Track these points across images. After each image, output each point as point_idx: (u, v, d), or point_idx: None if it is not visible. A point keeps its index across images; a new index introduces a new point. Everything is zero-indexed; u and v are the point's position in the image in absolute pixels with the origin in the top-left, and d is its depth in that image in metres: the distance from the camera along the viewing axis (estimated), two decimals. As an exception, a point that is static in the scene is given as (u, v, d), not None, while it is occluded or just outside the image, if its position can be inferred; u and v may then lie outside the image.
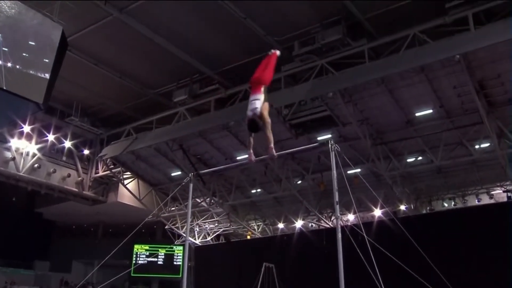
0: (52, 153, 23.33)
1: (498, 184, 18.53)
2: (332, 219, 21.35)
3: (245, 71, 17.63)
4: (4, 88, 8.65)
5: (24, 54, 9.49)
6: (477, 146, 15.72)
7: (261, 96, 6.71)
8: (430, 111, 15.46)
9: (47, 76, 9.66)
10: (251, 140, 6.96)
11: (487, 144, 15.63)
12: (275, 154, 6.66)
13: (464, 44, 12.49)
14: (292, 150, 8.21)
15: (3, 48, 9.08)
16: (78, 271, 32.92)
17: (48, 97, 9.72)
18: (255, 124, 6.52)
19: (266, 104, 6.69)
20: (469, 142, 15.60)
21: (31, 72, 9.52)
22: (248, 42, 16.50)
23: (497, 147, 14.89)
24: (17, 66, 9.23)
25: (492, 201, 18.26)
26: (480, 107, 13.78)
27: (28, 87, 9.45)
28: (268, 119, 6.56)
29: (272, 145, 6.48)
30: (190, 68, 18.34)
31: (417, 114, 15.69)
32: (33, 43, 9.84)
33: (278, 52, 7.54)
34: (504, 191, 18.35)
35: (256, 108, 6.53)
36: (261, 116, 6.51)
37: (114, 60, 18.48)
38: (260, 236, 24.08)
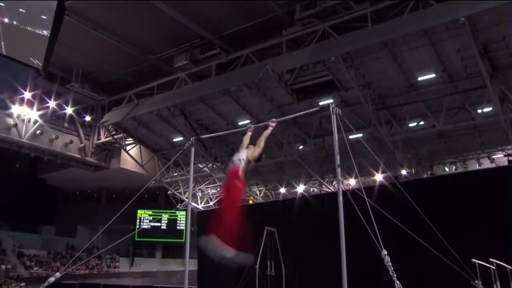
0: (53, 120, 23.35)
1: (499, 148, 18.57)
2: (333, 184, 21.50)
3: (246, 35, 17.44)
4: (4, 51, 8.52)
5: (21, 10, 9.31)
6: (479, 111, 15.67)
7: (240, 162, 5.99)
8: (433, 75, 15.33)
9: (46, 33, 9.49)
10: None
11: (489, 109, 15.58)
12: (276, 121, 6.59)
13: (469, 6, 12.25)
14: (293, 115, 8.13)
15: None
16: (83, 235, 33.54)
17: (48, 60, 9.57)
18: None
19: (251, 150, 6.17)
20: (471, 106, 15.55)
21: (29, 28, 9.34)
22: (249, 6, 16.20)
23: (499, 111, 14.84)
24: (14, 22, 9.05)
25: (493, 165, 18.32)
26: (483, 71, 13.66)
27: (27, 47, 9.31)
28: (260, 147, 6.23)
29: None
30: (191, 33, 18.08)
31: (419, 79, 15.57)
32: (29, 0, 9.64)
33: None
34: (505, 155, 18.40)
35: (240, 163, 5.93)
36: (256, 157, 6.11)
37: (113, 25, 18.20)
38: (262, 200, 24.32)
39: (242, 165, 5.88)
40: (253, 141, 6.42)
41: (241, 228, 5.41)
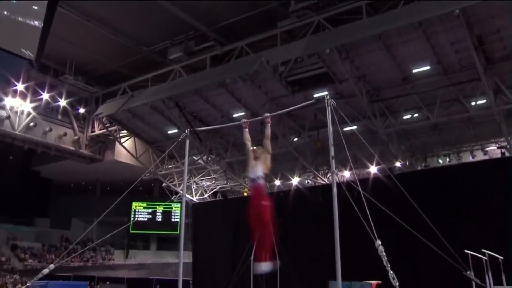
0: (47, 112, 23.25)
1: (493, 140, 18.68)
2: (328, 176, 21.56)
3: (241, 27, 17.38)
4: (-3, 45, 8.46)
5: (12, 0, 9.21)
6: (473, 103, 15.72)
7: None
8: (427, 67, 15.36)
9: (38, 24, 9.40)
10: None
11: (483, 101, 15.63)
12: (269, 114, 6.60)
13: (463, -2, 12.26)
14: (288, 109, 8.13)
15: (-12, -8, 8.76)
16: (77, 228, 33.52)
17: (41, 52, 9.48)
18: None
19: (264, 160, 6.14)
20: (465, 98, 15.59)
21: (20, 19, 9.23)
22: (244, -3, 16.16)
23: (493, 103, 14.89)
24: (5, 12, 8.94)
25: (486, 157, 18.43)
26: (477, 63, 13.69)
27: (19, 38, 9.22)
28: (268, 152, 6.26)
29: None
30: (185, 25, 18.01)
31: (414, 71, 15.59)
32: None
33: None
34: (498, 147, 18.52)
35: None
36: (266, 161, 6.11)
37: (107, 17, 18.11)
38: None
39: (263, 182, 5.98)
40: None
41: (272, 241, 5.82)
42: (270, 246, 5.80)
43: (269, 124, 6.47)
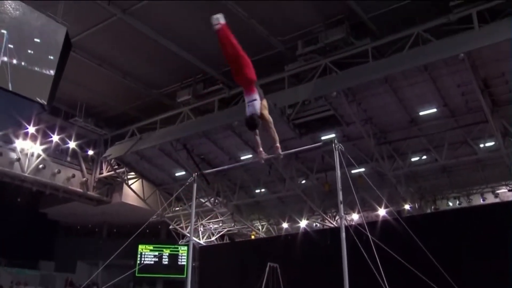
0: (56, 154, 23.41)
1: (503, 183, 18.45)
2: (336, 219, 21.32)
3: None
4: (11, 89, 8.67)
5: (29, 51, 9.52)
6: (481, 145, 15.67)
7: (257, 96, 6.22)
8: (434, 110, 15.42)
9: (52, 73, 9.68)
10: (258, 139, 6.54)
11: (491, 143, 15.59)
12: (281, 153, 6.55)
13: (468, 42, 12.45)
14: (296, 150, 8.16)
15: (9, 45, 9.09)
16: (83, 271, 33.02)
17: (53, 97, 9.74)
18: (252, 120, 6.04)
19: (264, 102, 6.25)
20: (473, 141, 15.56)
21: (36, 69, 9.53)
22: (251, 42, 16.43)
23: (502, 145, 14.84)
24: (22, 63, 9.25)
25: (497, 200, 18.18)
26: (484, 106, 13.74)
27: (33, 86, 9.48)
28: (269, 118, 6.20)
29: (277, 144, 6.33)
30: (194, 68, 18.36)
31: (421, 113, 15.66)
32: (38, 40, 9.87)
33: (221, 20, 6.36)
34: (509, 190, 18.27)
35: (256, 110, 6.06)
36: (261, 116, 6.09)
37: (117, 61, 18.53)
38: (264, 236, 24.08)
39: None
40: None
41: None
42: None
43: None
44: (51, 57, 9.80)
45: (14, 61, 9.00)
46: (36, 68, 9.51)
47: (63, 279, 32.06)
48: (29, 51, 9.50)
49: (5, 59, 8.82)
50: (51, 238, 34.11)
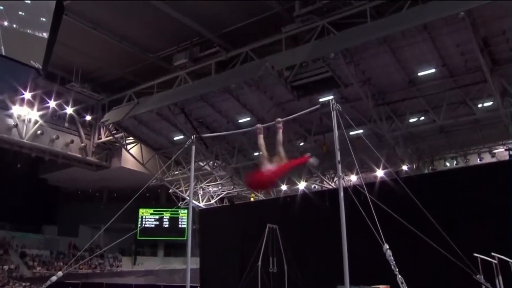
0: (54, 120, 23.37)
1: (500, 142, 18.56)
2: (334, 180, 21.50)
3: (246, 33, 17.41)
4: (3, 54, 8.53)
5: (20, 13, 9.32)
6: (480, 105, 15.65)
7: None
8: (433, 70, 15.31)
9: (45, 35, 9.50)
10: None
11: (490, 103, 15.56)
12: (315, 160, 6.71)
13: (468, 0, 12.23)
14: (296, 114, 8.13)
15: (-1, 7, 8.89)
16: (85, 235, 33.61)
17: (48, 61, 9.58)
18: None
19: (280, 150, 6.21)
20: (472, 101, 15.53)
21: (28, 31, 9.35)
22: (248, 3, 16.18)
23: (500, 105, 14.82)
24: (14, 25, 9.07)
25: (494, 159, 18.31)
26: (483, 65, 13.64)
27: (26, 50, 9.32)
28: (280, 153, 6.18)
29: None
30: (190, 31, 18.07)
31: (419, 74, 15.55)
32: (28, 2, 9.64)
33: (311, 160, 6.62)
34: (506, 150, 18.39)
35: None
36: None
37: (112, 24, 18.21)
38: (263, 198, 24.34)
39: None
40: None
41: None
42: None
43: (281, 130, 6.46)
44: (43, 19, 9.58)
45: (5, 23, 8.82)
46: (28, 31, 9.32)
47: (66, 243, 32.66)
48: (20, 13, 9.30)
49: (-4, 20, 8.66)
50: (53, 203, 34.56)
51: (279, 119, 6.59)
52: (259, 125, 6.74)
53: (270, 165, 5.95)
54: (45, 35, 9.48)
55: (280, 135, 6.39)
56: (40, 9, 9.81)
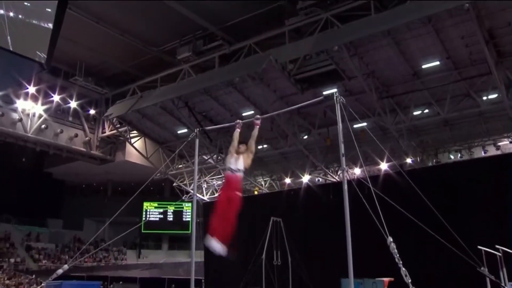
0: (58, 114, 23.42)
1: (505, 135, 18.47)
2: (338, 173, 21.51)
3: (249, 26, 17.36)
4: (10, 46, 8.55)
5: (26, 3, 9.36)
6: (484, 98, 15.57)
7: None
8: (437, 62, 15.23)
9: (50, 26, 9.53)
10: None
11: (494, 95, 15.47)
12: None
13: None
14: (297, 106, 8.14)
15: (4, -3, 8.90)
16: (89, 228, 33.83)
17: (51, 54, 9.60)
18: None
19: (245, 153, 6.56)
20: (476, 93, 15.45)
21: (34, 21, 9.38)
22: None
23: (505, 97, 14.75)
24: (20, 16, 9.10)
25: (498, 152, 18.24)
26: (488, 57, 13.55)
27: (31, 40, 9.35)
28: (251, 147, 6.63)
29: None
30: (193, 25, 18.03)
31: (423, 66, 15.48)
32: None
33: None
34: (510, 142, 18.31)
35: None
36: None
37: (116, 18, 18.18)
38: (267, 191, 24.38)
39: (241, 175, 6.38)
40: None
41: (233, 231, 6.06)
42: (229, 232, 6.03)
43: (257, 127, 6.80)
44: (49, 10, 9.60)
45: (11, 14, 8.84)
46: (34, 21, 9.34)
47: (71, 236, 32.87)
48: (26, 3, 9.32)
49: (2, 11, 8.65)
50: (58, 197, 34.73)
51: (258, 116, 6.97)
52: (239, 121, 7.03)
53: (235, 156, 6.43)
54: (50, 25, 9.50)
55: (255, 131, 6.72)
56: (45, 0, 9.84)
